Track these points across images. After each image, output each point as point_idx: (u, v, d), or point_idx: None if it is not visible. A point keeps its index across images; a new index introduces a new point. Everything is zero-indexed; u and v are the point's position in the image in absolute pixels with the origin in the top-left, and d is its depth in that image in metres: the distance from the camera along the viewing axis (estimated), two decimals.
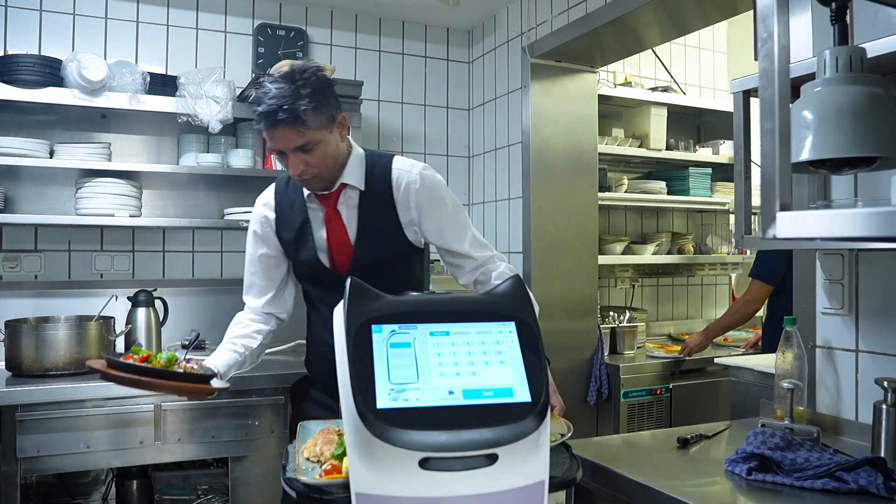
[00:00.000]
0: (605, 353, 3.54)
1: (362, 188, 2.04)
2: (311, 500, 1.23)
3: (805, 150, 1.29)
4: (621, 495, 1.63)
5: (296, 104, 1.82)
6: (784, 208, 1.02)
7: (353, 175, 2.04)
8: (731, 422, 2.12)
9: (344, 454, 1.28)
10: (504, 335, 1.23)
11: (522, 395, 1.17)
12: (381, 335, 1.20)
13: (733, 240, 1.85)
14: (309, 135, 1.87)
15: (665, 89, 4.11)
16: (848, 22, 1.36)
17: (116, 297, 2.94)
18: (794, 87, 1.37)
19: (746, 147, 1.86)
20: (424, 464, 1.11)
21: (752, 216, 1.91)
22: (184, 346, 3.28)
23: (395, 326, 1.21)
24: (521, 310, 1.27)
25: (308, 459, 1.35)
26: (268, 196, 2.18)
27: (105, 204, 3.02)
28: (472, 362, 1.19)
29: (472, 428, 1.11)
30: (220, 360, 2.13)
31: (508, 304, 1.28)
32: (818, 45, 1.98)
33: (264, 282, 2.22)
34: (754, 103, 1.98)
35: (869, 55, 1.33)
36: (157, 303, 3.09)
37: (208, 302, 3.42)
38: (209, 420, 2.70)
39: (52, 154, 3.00)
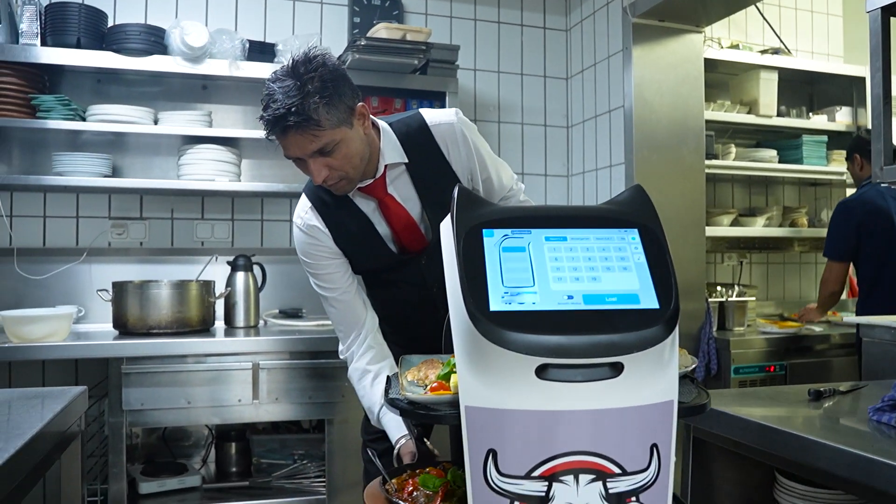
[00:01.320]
0: (714, 329, 3.35)
1: (406, 161, 1.83)
2: (417, 417, 1.15)
3: None
4: (749, 443, 1.48)
5: (305, 104, 1.57)
6: None
7: (392, 152, 1.81)
8: (867, 382, 1.93)
9: (451, 374, 1.20)
10: (626, 242, 1.13)
11: (650, 301, 1.05)
12: (493, 239, 1.11)
13: (875, 172, 1.66)
14: (326, 136, 1.63)
15: (776, 51, 3.87)
16: None
17: (217, 258, 2.98)
18: None
19: (886, 69, 1.68)
20: (542, 372, 1.01)
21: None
22: (282, 312, 3.31)
23: (507, 231, 1.12)
24: (645, 217, 1.16)
25: (412, 382, 1.28)
26: (307, 215, 1.87)
27: (206, 170, 3.07)
28: (593, 268, 1.09)
29: (594, 332, 1.01)
30: (398, 430, 1.78)
31: (630, 211, 1.17)
32: None
33: (358, 300, 1.92)
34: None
35: None
36: (256, 268, 3.11)
37: (305, 271, 3.41)
38: (306, 380, 2.69)
39: (156, 122, 3.06)
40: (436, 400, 1.15)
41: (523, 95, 3.85)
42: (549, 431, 1.02)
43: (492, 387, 1.03)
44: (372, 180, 1.80)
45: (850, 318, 2.46)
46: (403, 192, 1.85)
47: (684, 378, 1.34)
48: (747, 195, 4.12)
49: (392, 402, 1.21)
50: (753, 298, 3.62)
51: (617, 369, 1.01)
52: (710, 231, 3.53)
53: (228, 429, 3.05)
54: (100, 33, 2.97)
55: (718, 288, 3.61)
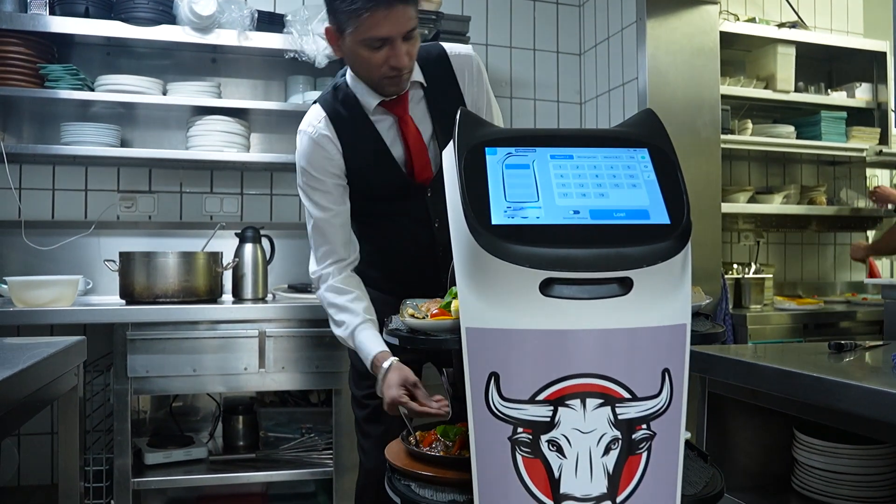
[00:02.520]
0: (730, 306, 3.28)
1: (426, 84, 1.82)
2: (417, 343, 1.11)
3: None
4: (767, 390, 1.42)
5: None
6: None
7: (416, 72, 1.79)
8: (890, 341, 1.86)
9: (452, 301, 1.15)
10: (636, 161, 1.08)
11: (660, 217, 1.01)
12: (496, 157, 1.07)
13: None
14: (415, 20, 1.63)
15: (793, 25, 3.79)
16: None
17: (224, 224, 2.95)
18: None
19: None
20: (546, 288, 0.96)
21: None
22: (291, 287, 3.27)
23: (511, 149, 1.08)
24: (656, 138, 1.12)
25: (413, 316, 1.24)
26: (321, 124, 1.80)
27: (214, 141, 3.04)
28: (601, 184, 1.05)
29: (601, 246, 0.96)
30: (376, 346, 1.72)
31: (640, 132, 1.12)
32: None
33: (346, 230, 1.89)
34: None
35: None
36: (265, 241, 3.08)
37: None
38: (313, 349, 2.65)
39: (165, 93, 3.03)
40: (437, 325, 1.11)
41: (535, 71, 3.80)
42: (555, 352, 0.98)
43: (494, 306, 0.99)
44: (395, 95, 1.78)
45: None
46: (417, 115, 1.83)
47: (698, 315, 1.29)
48: (764, 173, 4.04)
49: (392, 333, 1.17)
50: (770, 276, 3.54)
51: (626, 286, 0.97)
52: (727, 208, 3.45)
53: (236, 402, 3.02)
54: (108, 3, 2.95)
55: (735, 266, 3.54)
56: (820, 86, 3.89)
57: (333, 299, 1.85)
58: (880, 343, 1.79)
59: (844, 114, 3.82)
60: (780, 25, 3.76)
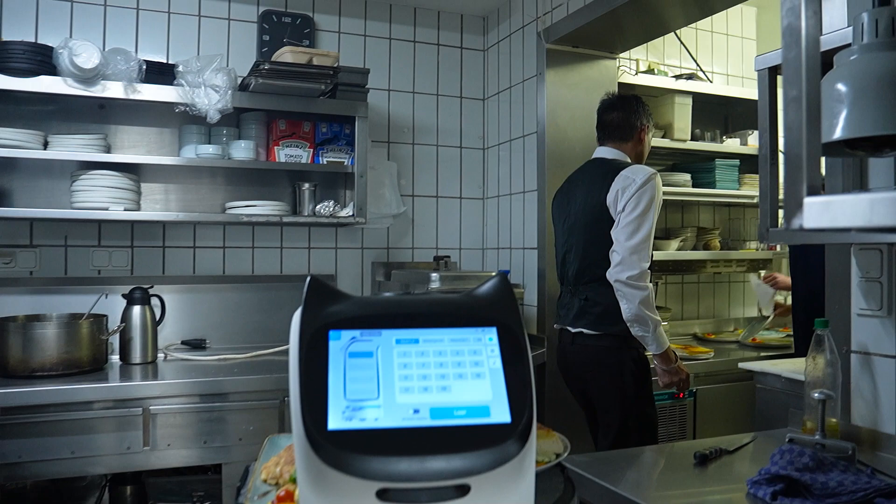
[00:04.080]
0: None
1: None
2: None
3: (838, 128, 1.11)
4: None
5: None
6: (812, 192, 0.84)
7: None
8: (756, 434, 1.93)
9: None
10: (483, 343, 1.06)
11: (501, 414, 1.00)
12: (340, 343, 1.03)
13: (761, 232, 1.66)
14: None
15: (690, 77, 3.89)
16: None
17: (107, 295, 2.83)
18: (827, 61, 1.20)
19: (772, 131, 1.68)
20: (383, 495, 0.94)
21: (780, 209, 1.71)
22: (184, 343, 3.18)
23: (356, 332, 1.05)
24: (505, 313, 1.10)
25: (265, 481, 1.20)
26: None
27: (101, 197, 2.91)
28: (444, 375, 1.03)
29: (439, 454, 0.95)
30: None
31: (490, 306, 1.11)
32: (854, 12, 1.78)
33: None
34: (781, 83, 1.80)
35: None
36: (154, 300, 2.98)
37: (209, 300, 3.29)
38: (201, 424, 2.57)
39: (46, 145, 2.89)
40: None
41: (439, 116, 3.78)
42: None
43: None
44: None
45: (744, 363, 2.48)
46: None
47: (552, 469, 1.30)
48: (663, 216, 4.14)
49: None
50: (666, 323, 3.62)
51: (464, 490, 0.96)
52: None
53: (116, 473, 2.91)
54: None
55: None
56: (716, 133, 4.01)
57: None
58: (748, 440, 1.85)
59: (737, 161, 3.95)
60: (678, 77, 3.85)
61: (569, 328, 2.77)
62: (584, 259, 2.68)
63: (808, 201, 0.84)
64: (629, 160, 2.77)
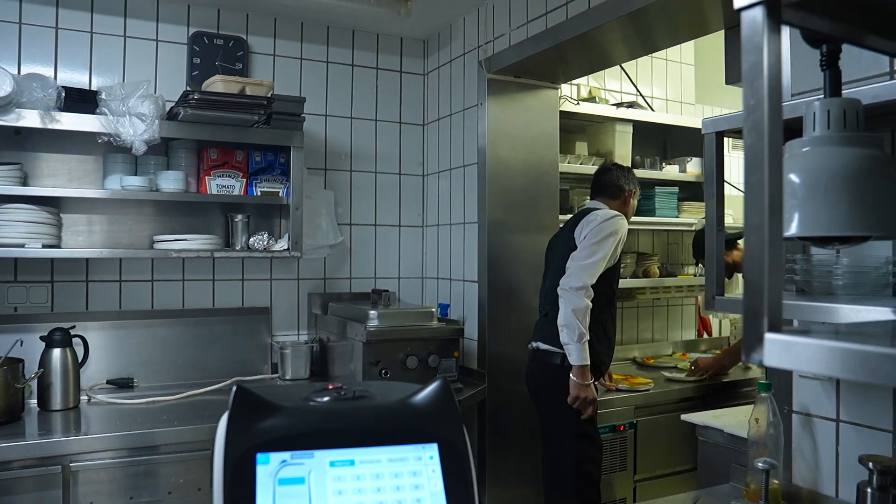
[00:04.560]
0: None
1: None
2: None
3: (793, 225, 1.08)
4: None
5: None
6: (773, 328, 0.80)
7: None
8: (699, 493, 1.91)
9: None
10: (423, 463, 1.00)
11: None
12: (269, 467, 0.95)
13: (708, 300, 1.63)
14: None
15: (631, 105, 3.90)
16: (840, 68, 1.15)
17: (22, 342, 2.66)
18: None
19: (720, 195, 1.65)
20: None
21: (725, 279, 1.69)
22: (110, 383, 3.03)
23: (286, 455, 0.97)
24: (447, 426, 1.04)
25: None
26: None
27: (17, 233, 2.73)
28: (382, 502, 0.96)
29: None
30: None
31: (430, 418, 1.04)
32: (798, 80, 1.78)
33: None
34: (727, 145, 1.78)
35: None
36: (77, 340, 2.81)
37: (137, 336, 3.14)
38: (128, 479, 2.43)
39: None
40: None
41: (377, 142, 3.70)
42: None
43: None
44: None
45: (687, 416, 2.49)
46: None
47: None
48: None
49: None
50: None
51: None
52: None
53: None
54: None
55: None
56: (656, 159, 4.03)
57: (587, 313, 2.81)
58: (692, 501, 1.83)
59: (677, 189, 3.99)
60: (619, 105, 3.85)
61: (531, 344, 3.05)
62: (552, 282, 2.94)
63: (770, 338, 0.79)
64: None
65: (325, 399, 1.06)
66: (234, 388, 1.01)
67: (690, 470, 3.20)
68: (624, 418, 3.31)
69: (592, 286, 2.82)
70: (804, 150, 1.12)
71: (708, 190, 1.67)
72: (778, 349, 0.79)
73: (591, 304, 2.81)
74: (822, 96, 1.14)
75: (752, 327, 0.82)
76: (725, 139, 1.74)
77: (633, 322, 4.30)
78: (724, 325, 4.69)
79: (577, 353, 2.79)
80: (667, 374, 3.71)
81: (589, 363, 2.81)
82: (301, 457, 0.97)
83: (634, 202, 3.22)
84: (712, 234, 1.65)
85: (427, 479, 0.98)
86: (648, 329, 4.36)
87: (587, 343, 2.80)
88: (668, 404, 3.38)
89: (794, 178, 1.10)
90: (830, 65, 1.14)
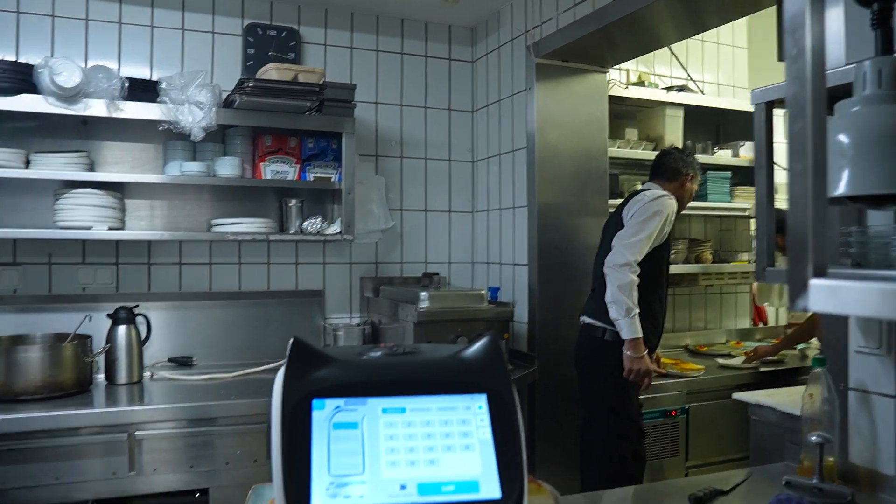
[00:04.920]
0: None
1: None
2: None
3: (841, 184, 1.08)
4: None
5: None
6: (819, 273, 0.81)
7: None
8: (751, 469, 1.90)
9: None
10: (472, 412, 1.03)
11: (491, 489, 0.96)
12: (324, 412, 1.00)
13: (758, 272, 1.63)
14: None
15: (681, 88, 3.87)
16: (893, 27, 1.14)
17: (91, 318, 2.78)
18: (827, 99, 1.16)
19: (769, 166, 1.64)
20: None
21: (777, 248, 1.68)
22: (171, 361, 3.14)
23: (340, 401, 1.01)
24: (495, 379, 1.07)
25: None
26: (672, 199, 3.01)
27: (85, 216, 2.86)
28: (432, 447, 0.99)
29: None
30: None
31: (479, 371, 1.07)
32: (852, 49, 1.76)
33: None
34: (777, 115, 1.76)
35: None
36: (140, 319, 2.93)
37: (196, 316, 3.25)
38: (188, 449, 2.53)
39: (28, 164, 2.83)
40: None
41: (427, 129, 3.74)
42: None
43: None
44: None
45: (738, 394, 2.46)
46: None
47: None
48: None
49: None
50: None
51: None
52: None
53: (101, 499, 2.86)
54: None
55: None
56: (707, 144, 3.99)
57: (635, 288, 2.81)
58: (743, 478, 1.82)
59: (729, 173, 3.93)
60: (669, 88, 3.82)
61: (580, 319, 3.09)
62: (601, 261, 2.97)
63: (814, 283, 0.80)
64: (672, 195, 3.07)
65: (378, 354, 1.11)
66: (291, 341, 1.06)
67: (744, 458, 3.17)
68: (676, 403, 3.29)
69: (639, 264, 2.84)
70: (854, 109, 1.12)
71: (758, 161, 1.67)
72: (823, 294, 0.80)
73: (637, 279, 2.82)
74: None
75: (796, 274, 0.83)
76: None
77: (686, 310, 4.26)
78: (780, 313, 4.60)
79: (626, 327, 2.82)
80: (721, 360, 3.66)
81: (640, 335, 2.83)
82: (354, 403, 1.01)
83: (693, 186, 3.20)
84: (763, 207, 1.65)
85: (476, 427, 1.01)
86: (701, 317, 4.32)
87: (636, 317, 2.81)
88: (722, 390, 3.34)
89: (843, 138, 1.10)
90: (881, 23, 1.13)
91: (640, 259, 2.85)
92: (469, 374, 1.07)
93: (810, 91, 0.82)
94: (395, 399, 1.03)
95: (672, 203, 2.99)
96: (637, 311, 2.82)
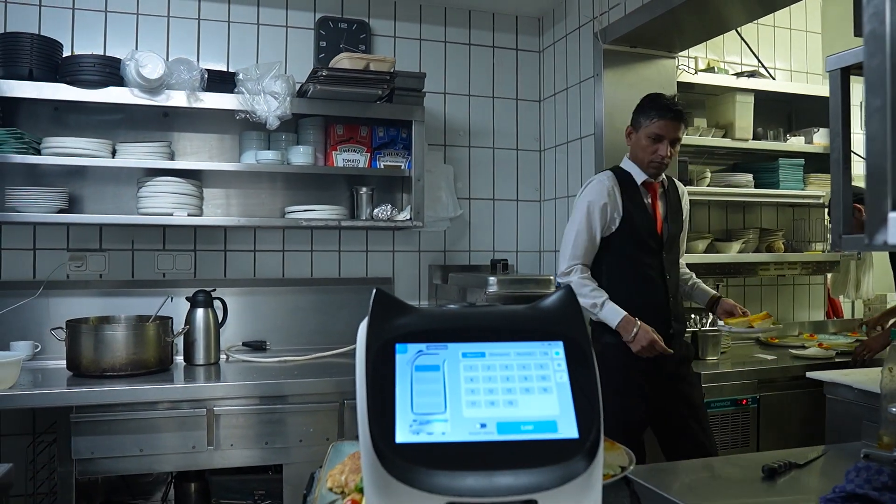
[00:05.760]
0: None
1: (666, 186, 2.80)
2: None
3: None
4: None
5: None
6: None
7: (661, 176, 2.78)
8: (827, 447, 1.87)
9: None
10: (549, 358, 1.06)
11: (568, 429, 0.99)
12: (406, 356, 1.04)
13: (829, 237, 1.61)
14: (683, 135, 2.72)
15: (752, 74, 3.80)
16: None
17: (172, 298, 2.91)
18: None
19: (846, 133, 1.62)
20: None
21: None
22: (245, 345, 3.24)
23: (422, 346, 1.05)
24: (572, 327, 1.09)
25: (331, 490, 1.22)
26: (611, 181, 2.70)
27: (165, 203, 2.99)
28: (511, 389, 1.02)
29: (507, 469, 0.94)
30: (622, 312, 2.63)
31: (556, 319, 1.10)
32: None
33: (592, 257, 2.71)
34: (855, 84, 1.74)
35: None
36: (217, 303, 3.04)
37: (270, 302, 3.36)
38: (263, 426, 2.62)
39: (114, 154, 2.98)
40: None
41: (494, 118, 3.78)
42: None
43: None
44: (654, 181, 2.74)
45: (813, 373, 2.41)
46: (660, 200, 2.77)
47: (618, 483, 1.28)
48: (724, 217, 4.05)
49: None
50: (727, 328, 3.54)
51: None
52: (685, 257, 3.45)
53: (182, 471, 2.98)
54: (54, 64, 2.89)
55: (692, 315, 3.55)
56: (779, 131, 3.91)
57: (587, 282, 2.66)
58: (819, 454, 1.80)
59: (802, 161, 3.85)
60: (739, 74, 3.77)
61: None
62: None
63: (894, 216, 0.81)
64: (629, 161, 2.79)
65: (457, 306, 1.15)
66: (374, 291, 1.10)
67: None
68: (746, 392, 3.23)
69: (587, 263, 2.69)
70: None
71: (833, 129, 1.65)
72: None
73: (583, 275, 2.66)
74: None
75: (875, 208, 0.83)
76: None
77: (757, 301, 4.17)
78: (857, 306, 4.46)
79: (605, 317, 2.63)
80: (793, 351, 3.57)
81: (621, 316, 2.59)
82: (436, 348, 1.05)
83: (635, 139, 2.73)
84: (838, 172, 1.62)
85: (553, 372, 1.04)
86: (773, 309, 4.22)
87: (607, 302, 2.62)
88: (794, 380, 3.26)
89: None
90: None
91: (578, 260, 2.68)
92: (546, 322, 1.10)
93: (889, 26, 0.82)
94: (475, 345, 1.06)
95: (592, 188, 2.70)
96: (604, 298, 2.62)
